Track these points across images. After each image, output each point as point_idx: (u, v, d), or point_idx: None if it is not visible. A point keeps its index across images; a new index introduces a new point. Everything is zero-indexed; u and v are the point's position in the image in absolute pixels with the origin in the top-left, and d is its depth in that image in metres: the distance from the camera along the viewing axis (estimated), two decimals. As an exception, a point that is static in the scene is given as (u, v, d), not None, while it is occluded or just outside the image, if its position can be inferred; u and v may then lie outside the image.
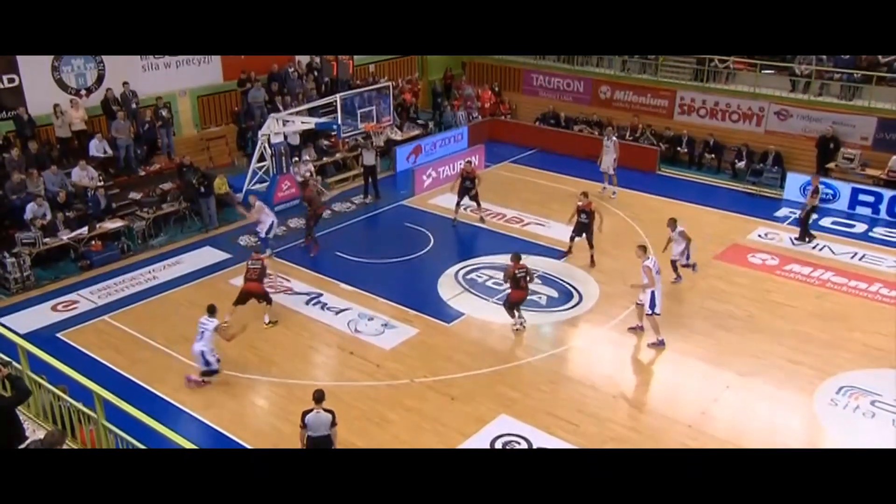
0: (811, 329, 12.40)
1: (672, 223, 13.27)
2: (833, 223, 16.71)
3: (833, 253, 15.23)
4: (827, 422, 10.28)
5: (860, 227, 16.55)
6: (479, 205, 16.67)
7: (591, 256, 14.60)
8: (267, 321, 12.52)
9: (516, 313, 12.30)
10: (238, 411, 10.59)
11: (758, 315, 12.87)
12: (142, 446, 6.59)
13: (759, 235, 16.11)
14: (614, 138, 18.39)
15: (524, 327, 12.37)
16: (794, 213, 16.76)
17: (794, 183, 17.98)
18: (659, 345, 11.87)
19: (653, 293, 11.66)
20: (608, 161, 18.09)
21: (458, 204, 16.68)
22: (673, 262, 13.56)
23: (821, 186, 15.87)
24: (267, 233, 15.01)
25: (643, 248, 12.01)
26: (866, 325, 12.49)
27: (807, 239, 15.62)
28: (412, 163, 20.09)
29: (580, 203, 14.48)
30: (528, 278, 12.17)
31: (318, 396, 8.77)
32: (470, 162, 17.14)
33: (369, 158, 18.26)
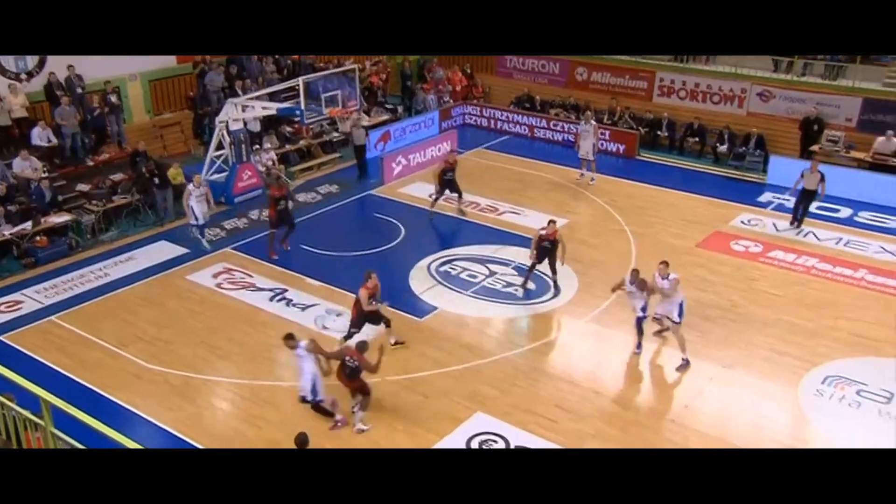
0: (796, 318, 12.63)
1: (635, 275, 11.51)
2: (817, 208, 16.93)
3: (818, 239, 15.51)
4: (812, 413, 10.48)
5: (845, 212, 16.86)
6: (460, 195, 16.38)
7: (554, 282, 13.63)
8: (393, 342, 11.77)
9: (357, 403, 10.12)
10: (196, 414, 10.48)
11: (741, 304, 13.06)
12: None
13: (742, 222, 16.34)
14: (593, 122, 18.49)
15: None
16: (779, 199, 17.06)
17: (777, 166, 18.14)
18: (685, 365, 11.38)
19: (681, 303, 11.28)
20: (586, 146, 18.17)
21: (436, 199, 16.45)
22: (638, 321, 11.76)
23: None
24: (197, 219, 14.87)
25: (665, 263, 11.39)
26: (852, 313, 12.75)
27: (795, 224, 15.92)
28: (381, 150, 20.01)
29: (544, 231, 13.27)
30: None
31: (302, 440, 8.15)
32: (454, 152, 17.04)
33: (360, 138, 18.65)
